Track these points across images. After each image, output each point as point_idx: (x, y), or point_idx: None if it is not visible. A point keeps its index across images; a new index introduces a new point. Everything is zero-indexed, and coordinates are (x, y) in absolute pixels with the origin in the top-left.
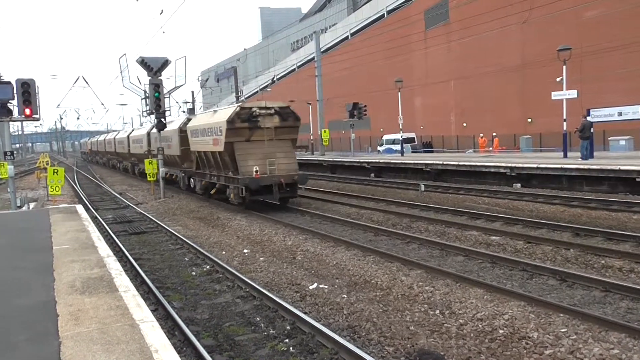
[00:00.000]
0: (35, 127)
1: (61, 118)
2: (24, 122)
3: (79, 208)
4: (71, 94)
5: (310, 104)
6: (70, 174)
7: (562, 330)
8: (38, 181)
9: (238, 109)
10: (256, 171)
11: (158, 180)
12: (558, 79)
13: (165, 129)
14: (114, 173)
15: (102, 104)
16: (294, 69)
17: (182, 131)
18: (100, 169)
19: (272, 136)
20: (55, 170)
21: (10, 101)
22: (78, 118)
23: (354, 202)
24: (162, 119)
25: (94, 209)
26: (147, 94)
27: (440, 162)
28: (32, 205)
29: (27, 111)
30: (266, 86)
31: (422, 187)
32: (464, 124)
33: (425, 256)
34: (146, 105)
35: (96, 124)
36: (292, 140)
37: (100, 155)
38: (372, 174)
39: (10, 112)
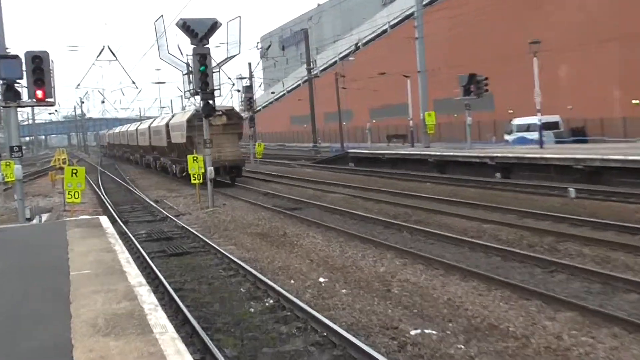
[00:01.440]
0: (50, 114)
1: (82, 102)
2: (35, 108)
3: (104, 220)
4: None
5: (408, 77)
6: (93, 176)
7: None
8: (53, 185)
9: (194, 111)
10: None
11: (205, 183)
12: None
13: (154, 124)
14: (148, 174)
15: (133, 82)
16: (385, 30)
17: (168, 126)
18: (131, 169)
19: (220, 131)
20: (74, 171)
21: (18, 81)
22: (103, 102)
23: (472, 213)
24: (210, 101)
25: (122, 221)
26: (190, 69)
27: (599, 157)
28: (44, 217)
29: (39, 93)
30: (348, 54)
31: (573, 193)
32: (635, 102)
33: (579, 292)
34: (189, 83)
35: (126, 109)
36: (238, 135)
37: (120, 149)
38: (498, 174)
39: (18, 95)
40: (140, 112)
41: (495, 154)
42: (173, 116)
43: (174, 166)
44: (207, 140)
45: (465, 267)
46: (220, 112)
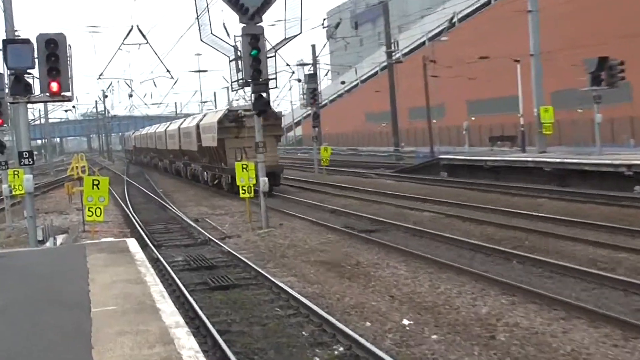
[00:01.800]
0: (66, 111)
1: (104, 96)
2: (49, 104)
3: (131, 244)
4: (120, 57)
5: (518, 61)
6: (119, 188)
7: None
8: (69, 199)
9: (226, 111)
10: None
11: (258, 197)
12: None
13: (185, 125)
14: (184, 186)
15: (168, 71)
16: (489, 1)
17: (199, 127)
18: (164, 179)
19: (255, 133)
20: (96, 182)
21: (28, 71)
22: (131, 95)
23: (602, 237)
24: (263, 94)
25: (154, 245)
26: (239, 53)
27: None
28: (60, 239)
29: (54, 86)
30: (439, 33)
31: None
32: None
33: None
34: (238, 71)
35: (159, 104)
36: (275, 137)
37: (147, 154)
38: (638, 187)
39: (29, 88)
40: (176, 107)
41: (634, 162)
42: (204, 116)
43: (205, 173)
44: (260, 145)
45: (593, 309)
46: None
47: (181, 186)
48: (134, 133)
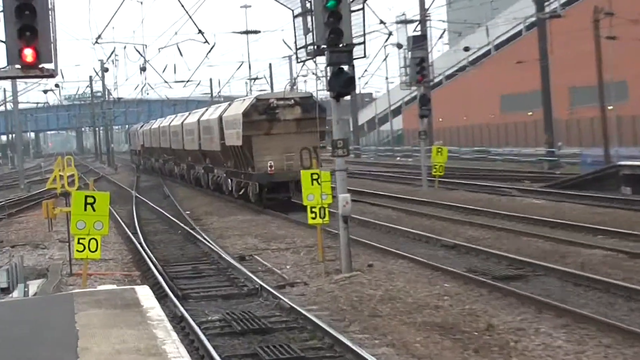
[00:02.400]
0: (47, 92)
1: (104, 70)
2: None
3: (144, 294)
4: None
5: None
6: (125, 208)
7: None
8: (49, 226)
9: (254, 100)
10: (270, 166)
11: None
12: None
13: (205, 117)
14: (224, 205)
15: (201, 32)
16: None
17: (222, 120)
18: (192, 194)
19: (291, 129)
20: (90, 200)
21: None
22: (144, 68)
23: None
24: (345, 65)
25: (178, 295)
26: (308, 5)
27: None
28: (34, 286)
29: (29, 55)
30: None
31: None
32: None
33: None
34: (307, 32)
35: (186, 83)
36: (317, 135)
37: (159, 156)
38: None
39: None
40: (212, 87)
41: None
42: (230, 105)
43: (229, 181)
44: (339, 144)
45: None
46: (291, 101)
47: (218, 205)
48: (142, 127)
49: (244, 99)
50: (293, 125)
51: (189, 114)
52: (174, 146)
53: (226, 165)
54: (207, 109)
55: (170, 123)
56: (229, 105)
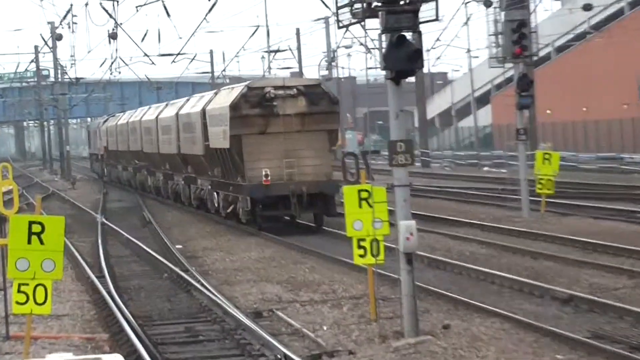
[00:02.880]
0: None
1: (56, 37)
2: None
3: None
4: None
5: None
6: (87, 239)
7: None
8: None
9: (245, 89)
10: (266, 175)
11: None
12: None
13: (184, 110)
14: (225, 233)
15: None
16: None
17: (205, 114)
18: (179, 214)
19: (295, 127)
20: (37, 229)
21: None
22: (113, 36)
23: None
24: (409, 31)
25: None
26: None
27: None
28: None
29: None
30: None
31: None
32: None
33: None
34: None
35: (176, 57)
36: (328, 133)
37: (128, 162)
38: None
39: None
40: (212, 63)
41: None
42: (216, 95)
43: (214, 194)
44: (399, 148)
45: None
46: (295, 91)
47: (224, 236)
48: (105, 122)
49: (233, 87)
50: (296, 121)
51: (166, 105)
52: (147, 149)
53: (211, 175)
54: (188, 99)
55: (141, 117)
56: (215, 94)
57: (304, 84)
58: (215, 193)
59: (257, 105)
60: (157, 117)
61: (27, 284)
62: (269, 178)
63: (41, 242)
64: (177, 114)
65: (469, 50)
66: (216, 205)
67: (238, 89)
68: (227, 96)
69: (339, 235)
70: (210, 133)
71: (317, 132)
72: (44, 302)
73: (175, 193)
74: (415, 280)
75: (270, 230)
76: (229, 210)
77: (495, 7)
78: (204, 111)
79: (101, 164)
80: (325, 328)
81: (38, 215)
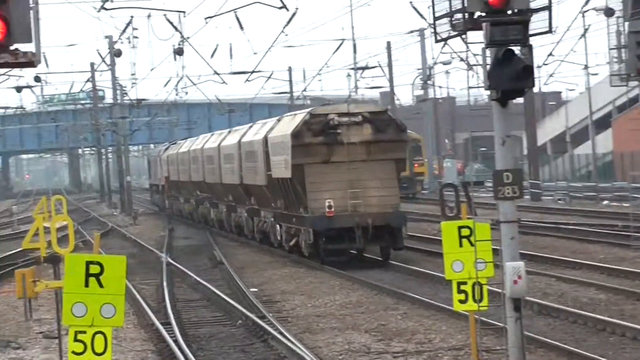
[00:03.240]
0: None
1: (114, 53)
2: None
3: None
4: None
5: None
6: (150, 281)
7: None
8: (27, 310)
9: (307, 116)
10: (329, 207)
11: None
12: None
13: (247, 137)
14: (306, 276)
15: None
16: None
17: (267, 142)
18: (259, 258)
19: (360, 155)
20: (94, 271)
21: None
22: (180, 52)
23: None
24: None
25: None
26: None
27: None
28: None
29: None
30: None
31: None
32: None
33: None
34: None
35: (250, 75)
36: (395, 162)
37: (189, 194)
38: None
39: None
40: (291, 81)
41: None
42: (279, 121)
43: (277, 227)
44: (505, 178)
45: None
46: (360, 118)
47: (304, 279)
48: (166, 150)
49: (296, 114)
50: (361, 150)
51: (229, 131)
52: (209, 179)
53: (274, 206)
54: (251, 126)
55: (203, 145)
56: (278, 121)
57: (369, 111)
58: (278, 225)
59: (320, 133)
60: (219, 144)
61: (85, 332)
62: (333, 209)
63: (100, 285)
64: (239, 141)
65: (586, 67)
66: (279, 238)
67: (300, 115)
68: (289, 123)
69: (403, 269)
70: (273, 162)
71: (384, 161)
72: (104, 352)
73: (239, 226)
74: (524, 329)
75: (334, 264)
76: (291, 244)
77: (617, 17)
78: (266, 139)
79: (162, 195)
80: None
81: (96, 254)
